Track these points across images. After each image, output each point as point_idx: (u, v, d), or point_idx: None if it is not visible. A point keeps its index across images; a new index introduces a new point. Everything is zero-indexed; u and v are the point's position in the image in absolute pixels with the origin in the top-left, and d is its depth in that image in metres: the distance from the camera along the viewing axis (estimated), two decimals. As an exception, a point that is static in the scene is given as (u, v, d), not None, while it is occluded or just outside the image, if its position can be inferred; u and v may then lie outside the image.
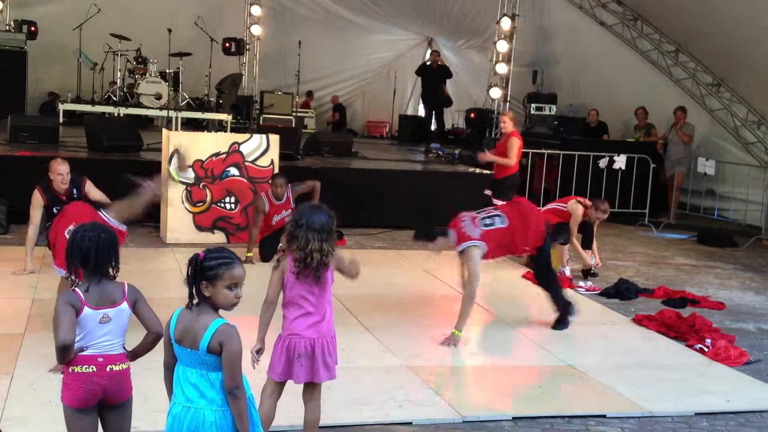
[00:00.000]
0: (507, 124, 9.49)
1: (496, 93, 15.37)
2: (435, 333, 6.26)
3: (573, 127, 14.58)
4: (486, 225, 6.24)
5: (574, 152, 12.38)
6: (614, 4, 15.24)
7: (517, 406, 4.93)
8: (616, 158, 12.04)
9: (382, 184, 10.51)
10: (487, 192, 9.39)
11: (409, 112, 20.39)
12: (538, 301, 7.58)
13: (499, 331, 6.57)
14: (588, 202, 8.44)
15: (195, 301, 3.06)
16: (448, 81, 17.14)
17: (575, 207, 8.32)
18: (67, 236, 4.98)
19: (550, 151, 12.58)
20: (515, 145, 9.35)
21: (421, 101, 18.95)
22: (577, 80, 15.99)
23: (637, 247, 10.66)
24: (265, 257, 8.17)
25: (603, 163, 12.15)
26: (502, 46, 15.11)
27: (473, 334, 6.44)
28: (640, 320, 6.94)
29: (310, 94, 19.69)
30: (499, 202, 9.21)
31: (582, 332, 6.60)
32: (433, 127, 17.31)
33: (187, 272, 3.05)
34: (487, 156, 9.67)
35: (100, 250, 3.25)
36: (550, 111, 15.29)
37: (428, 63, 16.52)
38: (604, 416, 4.85)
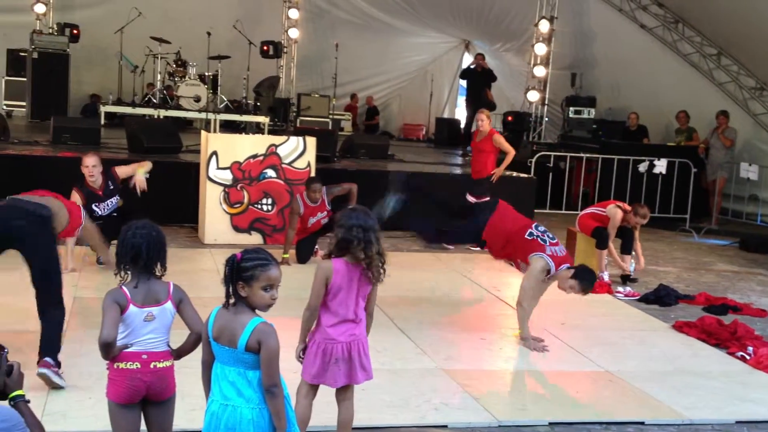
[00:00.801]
0: (485, 123, 9.54)
1: (533, 96, 15.29)
2: (471, 336, 6.23)
3: (612, 130, 14.44)
4: None
5: (613, 156, 12.25)
6: (655, 6, 15.07)
7: (553, 412, 4.88)
8: (656, 162, 11.87)
9: (418, 187, 10.48)
10: (471, 198, 9.37)
11: (446, 115, 20.34)
12: (574, 305, 7.51)
13: (536, 335, 6.50)
14: (627, 207, 8.33)
15: (232, 300, 3.08)
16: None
17: (614, 211, 8.22)
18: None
19: (588, 155, 12.46)
20: (502, 138, 9.59)
21: (463, 104, 18.85)
22: (616, 83, 15.83)
23: (678, 253, 10.50)
24: (301, 259, 8.20)
25: (643, 167, 11.98)
26: (540, 49, 15.03)
27: (510, 339, 6.39)
28: (680, 327, 6.83)
29: (353, 97, 19.75)
30: (472, 198, 9.34)
31: (620, 338, 6.51)
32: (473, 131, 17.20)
33: (224, 272, 3.07)
34: (500, 171, 9.74)
35: (151, 248, 3.31)
36: (588, 114, 15.15)
37: (473, 66, 16.45)
38: (642, 423, 4.78)
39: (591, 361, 5.86)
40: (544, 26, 15.09)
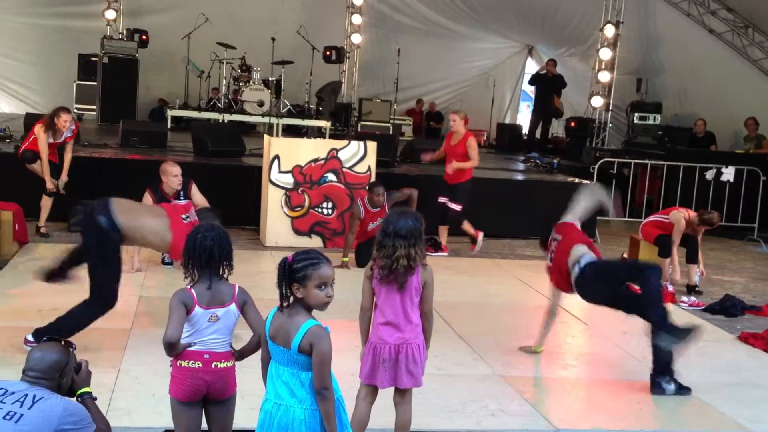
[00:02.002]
0: (457, 123, 9.11)
1: (597, 102, 15.09)
2: (529, 343, 6.17)
3: (679, 137, 14.15)
4: None
5: (679, 163, 12.00)
6: (724, 11, 14.75)
7: (613, 421, 4.81)
8: (724, 170, 11.59)
9: (479, 193, 10.44)
10: (442, 199, 9.00)
11: (507, 121, 20.20)
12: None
13: (596, 344, 6.44)
14: (692, 213, 8.15)
15: (286, 303, 3.12)
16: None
17: (678, 217, 8.04)
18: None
19: (653, 162, 12.24)
20: (475, 144, 9.05)
21: (525, 109, 18.70)
22: (683, 89, 15.52)
23: (745, 263, 10.23)
24: (361, 262, 8.24)
25: (710, 174, 11.72)
26: (605, 54, 14.83)
27: (568, 346, 6.32)
28: (746, 338, 6.66)
29: (418, 102, 19.79)
30: (457, 206, 8.98)
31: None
32: (538, 137, 17.03)
33: (278, 276, 3.11)
34: (456, 165, 8.98)
35: (220, 250, 3.39)
36: (654, 120, 14.88)
37: (542, 72, 16.32)
38: (705, 436, 4.70)
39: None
40: (610, 31, 14.88)
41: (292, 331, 3.06)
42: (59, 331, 4.78)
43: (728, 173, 11.58)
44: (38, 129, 8.39)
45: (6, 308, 6.15)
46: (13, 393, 2.82)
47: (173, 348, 3.29)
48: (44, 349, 3.04)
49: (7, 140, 10.60)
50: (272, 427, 3.08)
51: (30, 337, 5.14)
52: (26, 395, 2.83)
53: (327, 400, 3.05)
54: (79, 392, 3.02)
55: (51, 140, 8.39)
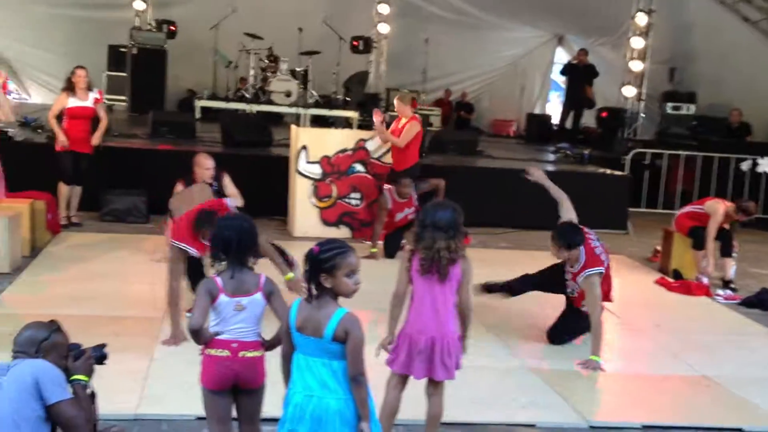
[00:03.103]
0: (397, 106, 8.64)
1: (629, 91, 14.90)
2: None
3: (713, 127, 13.94)
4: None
5: (713, 154, 11.82)
6: (759, -2, 14.48)
7: (646, 415, 4.74)
8: (759, 161, 11.36)
9: (508, 184, 10.35)
10: (388, 186, 8.51)
11: (537, 111, 20.03)
12: (671, 307, 7.29)
13: (629, 338, 6.35)
14: (728, 203, 7.98)
15: (315, 293, 3.09)
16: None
17: (715, 207, 7.84)
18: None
19: (687, 153, 12.07)
20: (414, 129, 8.45)
21: (554, 99, 18.50)
22: (717, 78, 15.25)
23: (782, 256, 10.05)
24: (388, 253, 8.21)
25: (746, 165, 11.51)
26: (637, 43, 14.63)
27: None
28: (782, 332, 6.54)
29: (447, 92, 19.70)
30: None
31: (718, 342, 6.28)
32: (568, 127, 16.86)
33: (305, 267, 3.09)
34: (377, 117, 8.59)
35: (243, 239, 3.39)
36: (687, 110, 14.66)
37: (574, 62, 16.13)
38: (740, 430, 4.63)
39: (687, 364, 5.68)
40: (642, 19, 14.67)
41: (323, 320, 3.04)
42: None
43: (764, 164, 11.35)
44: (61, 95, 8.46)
45: (39, 296, 6.21)
46: None
47: (198, 335, 3.32)
48: (27, 326, 3.11)
49: (39, 130, 10.68)
50: (303, 419, 3.06)
51: None
52: (3, 368, 2.92)
53: (362, 386, 3.05)
54: (71, 378, 3.04)
55: (76, 103, 8.34)
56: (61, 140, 8.33)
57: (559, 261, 5.83)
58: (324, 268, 3.05)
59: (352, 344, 3.02)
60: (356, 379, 3.03)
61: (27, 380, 2.84)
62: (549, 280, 6.03)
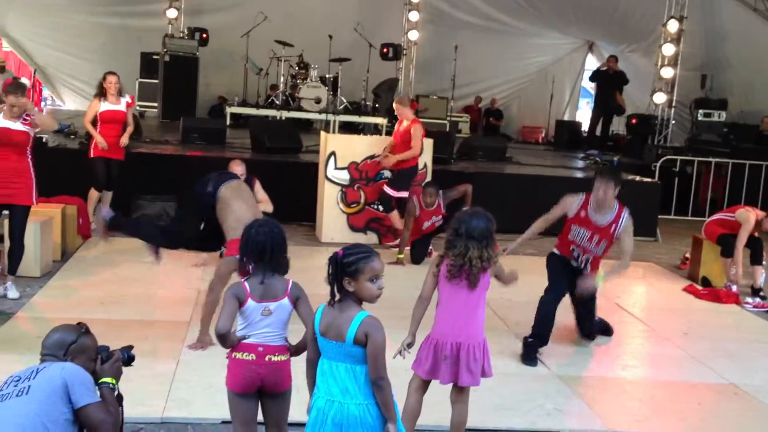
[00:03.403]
0: (398, 110, 8.72)
1: (660, 98, 14.78)
2: (586, 342, 6.08)
3: (744, 134, 13.77)
4: None
5: (744, 161, 11.69)
6: (792, 4, 14.31)
7: (673, 424, 4.71)
8: (790, 168, 11.25)
9: (536, 190, 10.32)
10: (387, 189, 8.65)
11: (566, 118, 19.94)
12: (699, 315, 7.23)
13: (657, 345, 6.30)
14: (759, 212, 7.89)
15: (337, 297, 3.13)
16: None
17: (746, 216, 7.76)
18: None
19: (717, 160, 11.95)
20: (420, 133, 8.56)
21: (584, 106, 18.38)
22: (749, 85, 15.09)
23: (813, 264, 9.89)
24: (415, 259, 8.23)
25: (777, 173, 11.39)
26: (668, 50, 14.53)
27: (629, 347, 6.21)
28: (813, 341, 6.45)
29: (477, 98, 19.68)
30: (396, 193, 8.60)
31: (747, 350, 6.21)
32: (598, 134, 16.75)
33: (329, 271, 3.12)
34: (391, 160, 8.68)
35: (276, 244, 3.43)
36: (719, 117, 14.51)
37: (603, 68, 16.06)
38: (769, 440, 4.56)
39: (715, 372, 5.63)
40: (673, 26, 14.56)
41: (345, 324, 3.07)
42: (136, 222, 5.60)
43: (795, 172, 11.23)
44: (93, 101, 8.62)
45: (69, 300, 6.30)
46: (26, 377, 2.91)
47: (224, 339, 3.35)
48: (55, 329, 3.12)
49: (72, 136, 10.85)
50: (326, 424, 3.08)
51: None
52: (33, 371, 2.92)
53: (383, 390, 3.06)
54: (99, 381, 3.05)
55: (108, 107, 8.46)
56: (100, 141, 8.44)
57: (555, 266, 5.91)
58: (347, 272, 3.08)
59: (373, 348, 3.04)
60: (377, 383, 3.05)
61: (56, 383, 2.85)
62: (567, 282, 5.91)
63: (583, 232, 5.72)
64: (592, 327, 6.03)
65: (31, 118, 6.16)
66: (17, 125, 6.09)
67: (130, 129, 8.72)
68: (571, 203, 5.80)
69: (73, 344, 3.03)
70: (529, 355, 5.56)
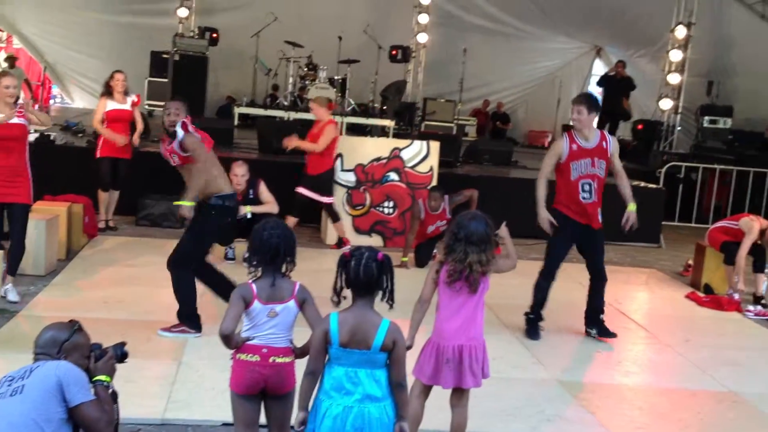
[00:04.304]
0: (314, 110, 8.66)
1: (666, 104, 14.79)
2: (588, 348, 6.12)
3: (750, 141, 13.78)
4: None
5: (749, 168, 11.69)
6: (801, 12, 14.30)
7: (673, 431, 4.72)
8: (795, 176, 11.25)
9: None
10: (302, 191, 8.43)
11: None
12: (701, 322, 7.25)
13: (658, 352, 6.32)
14: (764, 221, 7.90)
15: (343, 297, 3.21)
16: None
17: (750, 224, 7.77)
18: None
19: (722, 167, 11.95)
20: (331, 133, 8.41)
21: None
22: (756, 92, 15.08)
23: (817, 273, 9.89)
24: (420, 263, 8.26)
25: (781, 181, 11.39)
26: (676, 56, 14.53)
27: (630, 353, 6.23)
28: (815, 350, 6.46)
29: (485, 102, 19.70)
30: (327, 199, 8.56)
31: (748, 358, 6.23)
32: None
33: (337, 272, 3.18)
34: (293, 141, 8.57)
35: (287, 246, 3.45)
36: (724, 124, 14.52)
37: (611, 74, 16.08)
38: (768, 449, 4.58)
39: (716, 380, 5.65)
40: (681, 32, 14.57)
41: (371, 332, 3.12)
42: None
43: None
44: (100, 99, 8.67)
45: (73, 299, 6.33)
46: (20, 377, 2.91)
47: (228, 340, 3.36)
48: (48, 327, 3.12)
49: (80, 134, 10.91)
50: (344, 430, 3.10)
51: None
52: (27, 370, 2.92)
53: (405, 390, 3.22)
54: (93, 379, 3.04)
55: (114, 106, 8.52)
56: (115, 138, 8.45)
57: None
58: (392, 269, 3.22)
59: (400, 352, 3.15)
60: (401, 384, 3.17)
61: (50, 382, 2.85)
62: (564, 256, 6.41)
63: (583, 162, 6.10)
64: (601, 305, 6.32)
65: (25, 111, 6.14)
66: (13, 118, 6.00)
67: (140, 127, 8.77)
68: (560, 146, 6.17)
69: (66, 342, 3.03)
70: (534, 330, 6.19)
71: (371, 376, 3.12)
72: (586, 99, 6.26)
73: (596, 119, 6.24)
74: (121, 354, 3.24)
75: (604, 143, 6.14)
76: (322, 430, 3.13)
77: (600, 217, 6.21)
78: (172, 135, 5.67)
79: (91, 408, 2.88)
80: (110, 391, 3.10)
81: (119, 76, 8.59)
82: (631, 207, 6.23)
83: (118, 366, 3.23)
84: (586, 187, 6.10)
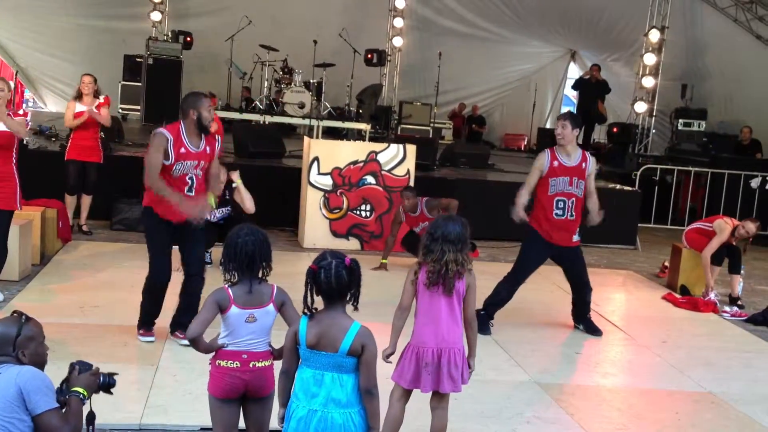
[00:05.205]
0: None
1: (641, 107, 14.90)
2: (566, 350, 6.14)
3: (723, 144, 13.92)
4: None
5: (723, 171, 11.81)
6: (772, 16, 14.48)
7: (652, 431, 4.74)
8: (769, 178, 11.39)
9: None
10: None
11: (548, 126, 20.05)
12: (678, 323, 7.29)
13: (636, 353, 6.35)
14: (736, 222, 8.00)
15: (314, 309, 3.16)
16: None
17: (723, 226, 7.88)
18: None
19: (697, 169, 12.06)
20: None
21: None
22: (729, 95, 15.26)
23: (790, 273, 10.01)
24: (408, 247, 8.24)
25: (755, 183, 11.51)
26: (650, 59, 14.65)
27: (608, 355, 6.25)
28: (790, 350, 6.52)
29: (461, 105, 19.76)
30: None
31: (725, 359, 6.27)
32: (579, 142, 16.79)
33: (307, 284, 3.16)
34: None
35: (261, 252, 3.42)
36: (699, 127, 14.66)
37: (586, 77, 16.19)
38: (745, 449, 4.60)
39: (693, 381, 5.68)
40: (655, 36, 14.69)
41: (339, 335, 3.08)
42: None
43: (774, 181, 11.38)
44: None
45: (48, 304, 6.23)
46: None
47: (196, 344, 3.33)
48: None
49: (53, 139, 10.78)
50: None
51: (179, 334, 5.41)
52: None
53: (375, 398, 3.11)
54: (71, 389, 2.95)
55: (82, 109, 8.41)
56: (98, 114, 8.38)
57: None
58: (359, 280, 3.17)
59: (369, 357, 3.08)
60: (370, 392, 3.09)
61: (11, 391, 2.77)
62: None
63: (561, 180, 6.20)
64: (587, 303, 6.49)
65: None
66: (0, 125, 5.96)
67: (104, 118, 8.55)
68: (542, 161, 6.28)
69: (19, 337, 2.95)
70: (485, 326, 6.15)
71: (337, 380, 3.08)
72: (571, 115, 6.41)
73: (580, 136, 6.32)
74: (107, 381, 3.10)
75: (584, 164, 6.25)
76: (287, 430, 3.13)
77: (576, 236, 6.30)
78: (206, 131, 5.38)
79: (52, 416, 2.80)
80: (88, 410, 3.00)
81: (87, 78, 8.54)
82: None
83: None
84: (560, 204, 6.20)
